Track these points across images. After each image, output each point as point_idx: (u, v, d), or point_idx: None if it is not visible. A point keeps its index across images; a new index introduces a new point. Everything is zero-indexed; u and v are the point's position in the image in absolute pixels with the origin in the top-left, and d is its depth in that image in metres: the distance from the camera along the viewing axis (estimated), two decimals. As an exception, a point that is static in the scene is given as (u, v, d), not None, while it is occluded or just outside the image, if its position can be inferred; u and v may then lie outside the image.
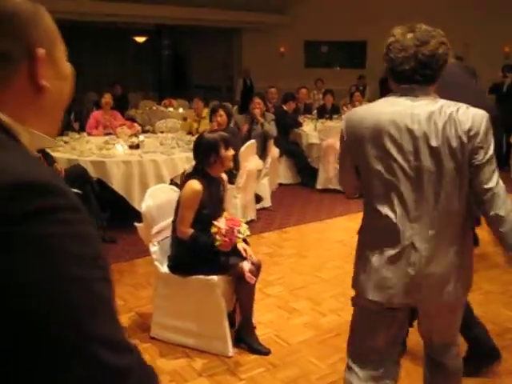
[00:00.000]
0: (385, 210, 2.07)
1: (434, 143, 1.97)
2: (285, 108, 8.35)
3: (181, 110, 10.45)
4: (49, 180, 0.77)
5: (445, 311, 2.24)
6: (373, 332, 2.25)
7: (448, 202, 2.02)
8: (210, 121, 6.42)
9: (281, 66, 14.92)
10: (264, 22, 14.76)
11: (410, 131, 1.99)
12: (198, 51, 17.36)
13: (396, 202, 2.04)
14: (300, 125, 8.45)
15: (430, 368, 2.48)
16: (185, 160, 5.74)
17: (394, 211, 2.05)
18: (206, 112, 7.56)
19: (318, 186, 7.82)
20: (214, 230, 3.18)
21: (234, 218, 3.41)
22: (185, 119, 7.90)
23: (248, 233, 3.33)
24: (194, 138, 6.42)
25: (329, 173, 7.67)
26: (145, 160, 5.56)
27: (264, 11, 14.02)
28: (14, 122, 0.87)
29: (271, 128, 6.91)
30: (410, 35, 2.01)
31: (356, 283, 2.21)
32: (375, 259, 2.10)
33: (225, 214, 3.38)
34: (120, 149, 5.87)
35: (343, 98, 10.66)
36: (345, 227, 6.05)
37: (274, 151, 7.09)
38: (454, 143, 1.96)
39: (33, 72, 0.89)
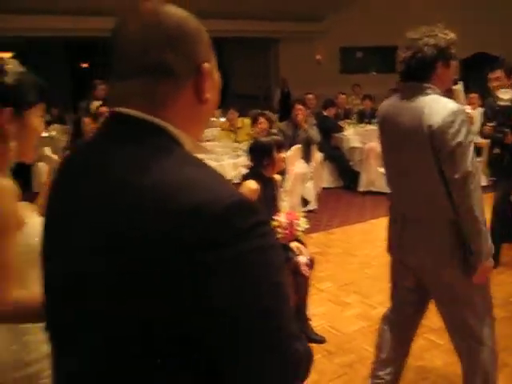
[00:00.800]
0: (389, 188, 2.60)
1: (410, 134, 2.27)
2: (325, 114, 8.57)
3: (223, 119, 10.73)
4: (248, 199, 0.85)
5: (431, 279, 2.47)
6: (393, 280, 2.69)
7: (427, 185, 2.32)
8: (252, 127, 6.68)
9: (317, 73, 15.10)
10: (300, 30, 14.99)
11: (396, 123, 2.34)
12: (236, 61, 17.69)
13: (393, 182, 2.53)
14: (341, 129, 8.66)
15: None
16: (233, 166, 6.02)
17: (392, 189, 2.56)
18: (241, 122, 7.82)
19: (360, 189, 8.01)
20: (274, 223, 3.42)
21: (292, 212, 3.66)
22: (223, 129, 8.17)
23: (306, 226, 3.55)
24: (240, 146, 6.72)
25: (371, 175, 7.84)
26: (196, 167, 5.83)
27: (300, 20, 14.25)
28: (180, 132, 0.93)
29: (315, 133, 7.13)
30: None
31: None
32: (389, 223, 2.63)
33: (283, 209, 3.63)
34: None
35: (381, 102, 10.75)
36: (389, 227, 6.21)
37: (318, 156, 7.32)
38: (423, 134, 2.22)
39: (199, 86, 0.93)
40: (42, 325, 1.46)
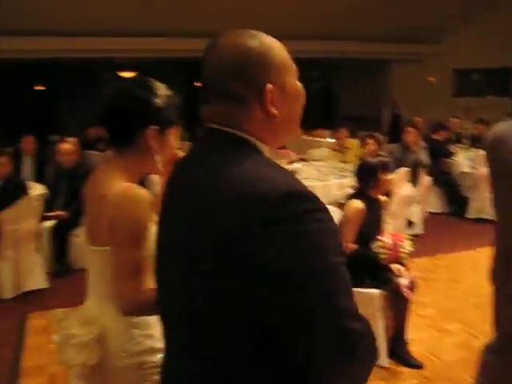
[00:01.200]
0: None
1: None
2: (434, 137, 8.41)
3: (331, 139, 10.82)
4: (307, 189, 0.97)
5: None
6: (495, 310, 2.58)
7: None
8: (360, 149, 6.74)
9: (428, 96, 14.77)
10: (413, 52, 14.77)
11: (508, 148, 2.21)
12: (346, 82, 17.69)
13: (497, 210, 2.41)
14: (451, 154, 8.44)
15: None
16: (338, 186, 6.09)
17: (497, 217, 2.42)
18: (350, 143, 7.86)
19: (470, 215, 7.75)
20: (379, 244, 3.46)
21: (398, 233, 3.67)
22: (332, 149, 8.26)
23: (411, 248, 3.53)
24: (347, 166, 6.79)
25: (482, 202, 7.57)
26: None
27: (413, 42, 14.06)
28: (258, 141, 1.08)
29: (424, 157, 7.04)
30: None
31: None
32: (494, 253, 2.51)
33: (388, 230, 3.66)
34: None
35: (497, 127, 10.33)
36: (498, 256, 5.97)
37: (426, 179, 7.20)
38: None
39: (263, 104, 1.06)
40: (148, 320, 1.65)
